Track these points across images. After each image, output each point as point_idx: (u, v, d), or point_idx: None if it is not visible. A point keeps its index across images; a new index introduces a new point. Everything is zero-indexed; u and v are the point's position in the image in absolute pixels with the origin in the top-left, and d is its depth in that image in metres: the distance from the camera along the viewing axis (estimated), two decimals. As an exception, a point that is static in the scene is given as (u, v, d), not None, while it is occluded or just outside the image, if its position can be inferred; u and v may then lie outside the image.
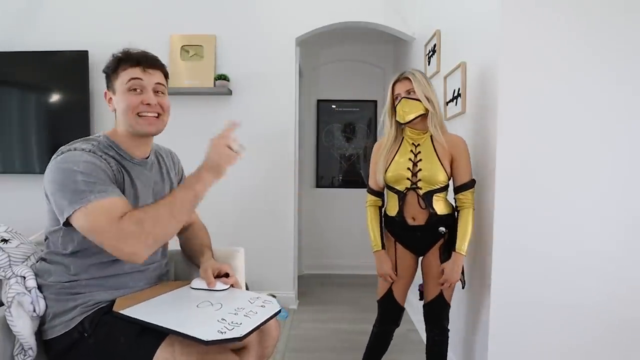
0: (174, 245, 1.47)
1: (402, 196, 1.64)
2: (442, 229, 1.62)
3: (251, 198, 2.98)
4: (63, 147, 1.11)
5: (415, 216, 1.64)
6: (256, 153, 2.96)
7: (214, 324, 1.01)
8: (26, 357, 1.07)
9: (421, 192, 1.61)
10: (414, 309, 2.82)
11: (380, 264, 1.69)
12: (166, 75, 1.24)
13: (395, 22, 2.94)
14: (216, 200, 2.82)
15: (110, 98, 1.20)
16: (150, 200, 1.22)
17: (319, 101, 4.05)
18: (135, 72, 1.14)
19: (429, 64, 2.54)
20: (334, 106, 4.06)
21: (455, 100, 1.99)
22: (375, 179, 1.71)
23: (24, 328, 1.05)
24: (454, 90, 2.00)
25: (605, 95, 1.51)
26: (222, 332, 0.97)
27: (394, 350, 2.28)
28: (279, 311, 1.16)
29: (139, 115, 1.15)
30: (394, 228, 1.71)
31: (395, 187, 1.65)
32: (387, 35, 3.21)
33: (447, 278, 1.58)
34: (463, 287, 1.68)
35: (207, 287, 1.23)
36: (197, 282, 1.25)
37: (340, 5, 2.93)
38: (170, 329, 0.98)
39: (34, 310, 1.08)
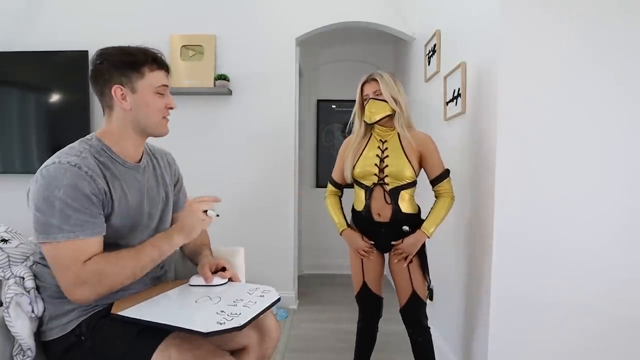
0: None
1: (369, 191, 1.67)
2: (405, 227, 1.66)
3: (251, 198, 2.98)
4: (54, 155, 1.08)
5: (381, 212, 1.67)
6: (256, 153, 2.97)
7: (213, 316, 1.01)
8: (25, 357, 1.07)
9: (388, 187, 1.65)
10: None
11: (351, 241, 1.73)
12: None
13: (395, 22, 2.94)
14: (216, 200, 2.84)
15: (124, 95, 1.13)
16: (144, 207, 1.20)
17: (319, 101, 4.05)
18: (164, 76, 1.18)
19: (429, 64, 2.54)
20: (334, 106, 4.06)
21: (455, 100, 1.99)
22: (341, 173, 1.76)
23: (22, 329, 1.05)
24: (454, 90, 2.00)
25: (604, 95, 1.51)
26: (221, 323, 0.96)
27: (392, 350, 2.28)
28: (278, 299, 1.16)
29: (163, 118, 1.20)
30: (360, 223, 1.74)
31: (363, 182, 1.69)
32: (387, 35, 3.21)
33: (403, 248, 1.62)
34: (428, 287, 1.71)
35: (205, 284, 1.22)
36: (195, 279, 1.25)
37: (340, 5, 2.93)
38: (169, 325, 0.98)
39: (33, 311, 1.08)
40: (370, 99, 1.67)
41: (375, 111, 1.65)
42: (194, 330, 0.95)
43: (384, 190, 1.66)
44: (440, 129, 2.28)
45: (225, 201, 3.08)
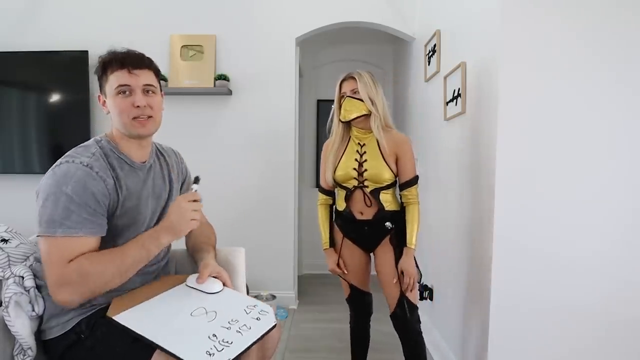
0: (176, 244, 1.46)
1: (349, 193, 1.69)
2: (388, 224, 1.66)
3: (251, 198, 2.98)
4: (67, 154, 1.11)
5: (363, 211, 1.68)
6: (256, 153, 2.97)
7: (204, 341, 1.00)
8: (25, 357, 1.07)
9: (368, 190, 1.66)
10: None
11: (328, 261, 1.77)
12: (157, 72, 1.22)
13: (395, 22, 2.94)
14: (216, 200, 2.84)
15: (104, 101, 1.19)
16: (149, 206, 1.21)
17: (319, 101, 4.05)
18: (123, 75, 1.13)
19: (429, 64, 2.54)
20: (334, 106, 4.05)
21: (455, 100, 1.99)
22: (325, 178, 1.76)
23: (22, 328, 1.05)
24: (454, 90, 2.00)
25: (605, 95, 1.50)
26: (210, 354, 0.96)
27: (393, 350, 2.28)
28: (274, 326, 1.15)
29: (133, 118, 1.14)
30: (343, 222, 1.75)
31: (344, 185, 1.70)
32: (387, 35, 3.20)
33: (408, 274, 1.60)
34: (420, 283, 1.69)
35: (201, 289, 1.21)
36: (192, 280, 1.24)
37: (340, 5, 2.93)
38: (159, 346, 0.97)
39: (33, 310, 1.08)
40: (347, 96, 1.66)
41: (350, 110, 1.64)
42: (181, 359, 0.94)
43: (364, 193, 1.66)
44: (440, 129, 2.28)
45: (225, 201, 3.10)
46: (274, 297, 2.87)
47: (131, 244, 1.09)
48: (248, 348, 1.03)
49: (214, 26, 2.92)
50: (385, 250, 1.68)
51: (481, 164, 1.69)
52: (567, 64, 1.50)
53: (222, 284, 1.25)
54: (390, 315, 1.69)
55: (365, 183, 1.65)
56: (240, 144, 2.97)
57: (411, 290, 1.63)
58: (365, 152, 1.66)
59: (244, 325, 1.09)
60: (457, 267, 1.98)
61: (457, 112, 1.95)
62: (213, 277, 1.26)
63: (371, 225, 1.68)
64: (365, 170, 1.64)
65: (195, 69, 2.88)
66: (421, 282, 1.71)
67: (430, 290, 2.39)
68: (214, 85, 2.84)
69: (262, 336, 1.09)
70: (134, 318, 1.05)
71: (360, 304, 1.78)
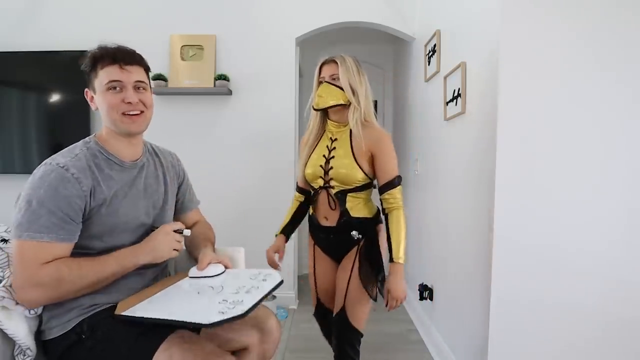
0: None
1: (315, 194, 1.53)
2: (354, 233, 1.47)
3: (251, 198, 2.98)
4: (52, 156, 1.10)
5: (327, 215, 1.51)
6: (256, 153, 2.97)
7: (215, 305, 0.99)
8: (25, 357, 1.07)
9: (333, 191, 1.47)
10: (413, 308, 2.81)
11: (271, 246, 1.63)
12: (147, 69, 1.20)
13: (395, 22, 2.95)
14: (216, 200, 2.84)
15: (92, 97, 1.17)
16: (140, 206, 1.20)
17: (319, 101, 4.04)
18: (114, 71, 1.11)
19: (429, 64, 2.54)
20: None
21: (455, 100, 1.99)
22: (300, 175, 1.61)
23: (17, 329, 1.04)
24: (454, 90, 2.00)
25: (604, 95, 1.51)
26: (223, 313, 0.95)
27: (393, 350, 2.28)
28: (281, 282, 1.16)
29: (123, 114, 1.13)
30: (312, 229, 1.63)
31: (312, 184, 1.54)
32: (387, 35, 3.21)
33: (394, 296, 1.38)
34: (375, 299, 1.47)
35: (204, 275, 1.21)
36: (194, 271, 1.23)
37: (340, 5, 2.93)
38: (172, 320, 0.97)
39: (32, 310, 1.08)
40: (325, 82, 1.45)
41: (326, 97, 1.42)
42: (195, 323, 0.93)
43: (328, 194, 1.48)
44: (440, 129, 2.28)
45: (225, 201, 3.10)
46: (274, 297, 2.87)
47: (110, 258, 1.08)
48: (260, 301, 1.03)
49: (214, 26, 2.93)
50: (350, 257, 1.50)
51: (481, 164, 1.69)
52: (567, 64, 1.51)
53: (223, 267, 1.25)
54: (334, 316, 1.52)
55: (331, 183, 1.45)
56: (240, 144, 2.97)
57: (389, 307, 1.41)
58: (334, 148, 1.45)
59: (252, 287, 1.10)
60: (457, 267, 1.98)
61: (457, 112, 1.95)
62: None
63: (336, 233, 1.50)
64: (331, 168, 1.44)
65: (195, 69, 2.88)
66: (375, 300, 1.49)
67: (430, 290, 2.39)
68: (214, 85, 2.84)
69: (272, 290, 1.10)
70: (143, 309, 1.05)
71: (323, 321, 1.61)
